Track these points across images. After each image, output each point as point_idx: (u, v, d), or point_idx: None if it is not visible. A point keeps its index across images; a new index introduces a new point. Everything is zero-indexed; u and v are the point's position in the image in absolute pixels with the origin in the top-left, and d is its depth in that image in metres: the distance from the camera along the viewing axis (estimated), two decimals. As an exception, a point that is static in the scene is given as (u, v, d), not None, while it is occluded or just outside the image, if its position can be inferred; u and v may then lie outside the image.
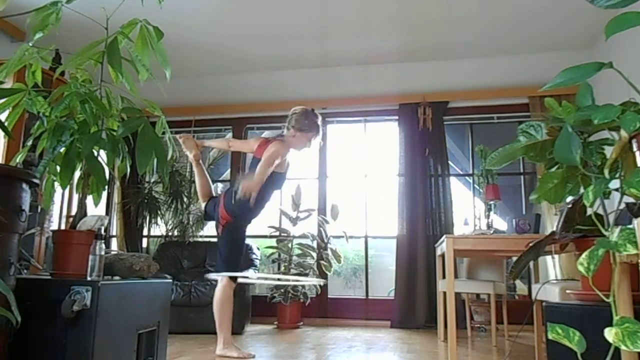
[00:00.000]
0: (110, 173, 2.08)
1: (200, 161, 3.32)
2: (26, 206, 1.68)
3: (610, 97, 1.61)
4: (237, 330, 3.70)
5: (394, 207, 4.94)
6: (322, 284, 4.37)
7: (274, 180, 3.02)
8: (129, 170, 2.11)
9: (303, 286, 4.70)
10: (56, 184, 2.02)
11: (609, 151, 1.42)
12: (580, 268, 1.26)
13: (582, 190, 1.51)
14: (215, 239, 4.99)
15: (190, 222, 5.01)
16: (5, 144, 3.63)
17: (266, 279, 4.68)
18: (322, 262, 4.71)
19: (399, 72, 5.18)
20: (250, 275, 3.13)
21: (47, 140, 1.96)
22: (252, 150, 3.17)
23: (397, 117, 5.11)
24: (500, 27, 4.47)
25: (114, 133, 2.01)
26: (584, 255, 1.26)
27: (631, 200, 1.26)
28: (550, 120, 1.57)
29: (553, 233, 1.73)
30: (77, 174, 2.05)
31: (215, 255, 4.52)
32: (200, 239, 5.03)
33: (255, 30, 4.57)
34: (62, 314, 1.64)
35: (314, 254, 4.78)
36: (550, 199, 1.57)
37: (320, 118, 3.14)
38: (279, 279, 4.58)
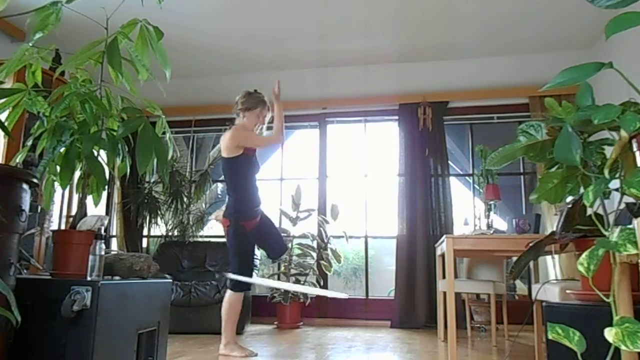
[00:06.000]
0: (110, 173, 2.08)
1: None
2: (26, 206, 1.68)
3: (610, 97, 1.61)
4: (237, 330, 3.69)
5: (394, 207, 4.94)
6: (343, 296, 4.23)
7: (246, 162, 3.10)
8: (129, 170, 2.11)
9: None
10: (56, 184, 2.02)
11: (609, 151, 1.42)
12: (580, 268, 1.26)
13: (582, 190, 1.51)
14: (215, 239, 5.01)
15: (190, 222, 5.01)
16: (5, 144, 3.63)
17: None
18: (322, 262, 4.71)
19: (399, 72, 5.18)
20: (254, 281, 3.13)
21: (47, 140, 1.95)
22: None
23: (397, 117, 5.11)
24: (499, 27, 4.47)
25: (114, 133, 2.01)
26: (584, 255, 1.26)
27: (631, 200, 1.26)
28: (550, 120, 1.57)
29: (553, 233, 1.73)
30: (77, 174, 2.05)
31: (215, 256, 4.58)
32: (200, 239, 5.03)
33: (255, 30, 4.57)
34: (62, 314, 1.64)
35: (314, 254, 4.78)
36: (550, 199, 1.57)
37: (264, 95, 3.25)
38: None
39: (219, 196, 5.70)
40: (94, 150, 1.94)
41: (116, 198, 5.35)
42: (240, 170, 3.08)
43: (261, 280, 4.27)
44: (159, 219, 5.08)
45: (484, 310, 4.45)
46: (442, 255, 3.19)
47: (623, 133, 1.27)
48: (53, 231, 2.00)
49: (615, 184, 1.35)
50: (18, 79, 2.81)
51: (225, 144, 3.10)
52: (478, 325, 4.45)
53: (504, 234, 3.18)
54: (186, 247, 4.74)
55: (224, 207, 3.22)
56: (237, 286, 2.99)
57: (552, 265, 4.22)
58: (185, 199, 5.05)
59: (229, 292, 3.01)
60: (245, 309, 4.13)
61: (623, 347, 1.10)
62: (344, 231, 4.87)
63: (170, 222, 5.03)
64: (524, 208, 5.01)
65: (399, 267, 4.78)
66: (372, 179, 5.29)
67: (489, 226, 3.37)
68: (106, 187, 2.21)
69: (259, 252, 4.67)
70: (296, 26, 4.51)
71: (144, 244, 5.43)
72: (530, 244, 1.75)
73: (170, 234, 5.00)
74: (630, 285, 1.30)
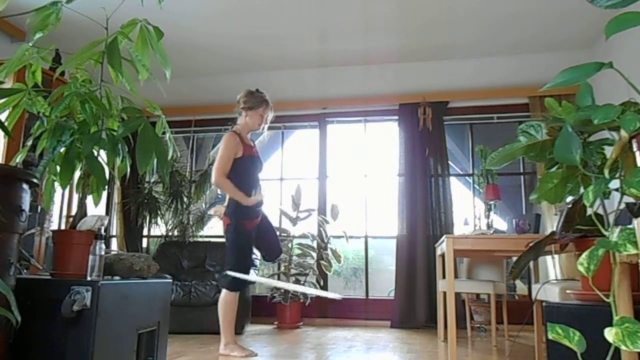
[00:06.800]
0: (110, 173, 2.08)
1: None
2: (26, 206, 1.68)
3: (610, 97, 1.61)
4: (237, 330, 3.69)
5: (394, 207, 4.94)
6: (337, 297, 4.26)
7: (248, 162, 3.09)
8: (129, 170, 2.11)
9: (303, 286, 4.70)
10: (56, 184, 2.02)
11: (609, 151, 1.42)
12: (580, 268, 1.26)
13: (582, 190, 1.51)
14: (215, 239, 5.01)
15: (190, 222, 5.01)
16: (5, 144, 3.63)
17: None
18: (322, 262, 4.71)
19: (399, 72, 5.18)
20: (253, 279, 3.12)
21: (47, 140, 1.95)
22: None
23: (397, 117, 5.11)
24: (500, 27, 4.47)
25: (114, 133, 2.01)
26: (584, 255, 1.26)
27: (631, 200, 1.26)
28: (550, 120, 1.57)
29: (553, 233, 1.73)
30: (77, 174, 2.05)
31: (215, 256, 4.58)
32: (200, 239, 5.03)
33: (255, 30, 4.57)
34: (62, 314, 1.64)
35: (314, 254, 4.78)
36: (550, 199, 1.57)
37: (266, 94, 3.22)
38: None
39: (219, 196, 5.70)
40: (94, 150, 1.94)
41: (116, 198, 5.35)
42: (240, 171, 3.07)
43: (261, 279, 4.27)
44: (159, 219, 5.08)
45: (484, 310, 4.45)
46: (442, 256, 3.19)
47: (623, 133, 1.27)
48: (53, 231, 2.00)
49: (615, 184, 1.35)
50: (18, 79, 2.81)
51: (221, 152, 3.09)
52: (478, 325, 4.45)
53: (504, 234, 3.18)
54: (186, 247, 4.74)
55: (225, 203, 3.20)
56: (234, 285, 2.98)
57: (552, 265, 4.22)
58: (185, 199, 5.06)
59: (224, 292, 3.01)
60: (245, 309, 4.15)
61: (623, 347, 1.10)
62: (344, 231, 4.87)
63: (170, 222, 5.03)
64: (524, 208, 5.01)
65: (399, 267, 4.78)
66: (372, 179, 5.29)
67: (489, 226, 3.37)
68: (106, 187, 2.21)
69: (258, 252, 4.67)
70: (296, 26, 4.51)
71: (144, 244, 5.43)
72: (530, 244, 1.75)
73: (170, 234, 5.00)
74: (630, 285, 1.30)
